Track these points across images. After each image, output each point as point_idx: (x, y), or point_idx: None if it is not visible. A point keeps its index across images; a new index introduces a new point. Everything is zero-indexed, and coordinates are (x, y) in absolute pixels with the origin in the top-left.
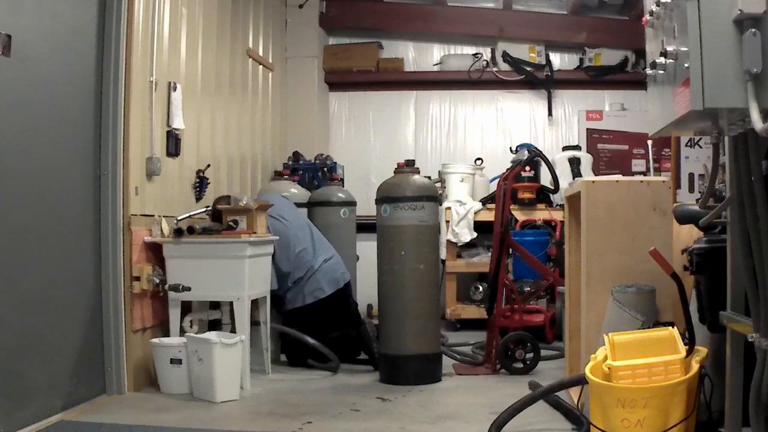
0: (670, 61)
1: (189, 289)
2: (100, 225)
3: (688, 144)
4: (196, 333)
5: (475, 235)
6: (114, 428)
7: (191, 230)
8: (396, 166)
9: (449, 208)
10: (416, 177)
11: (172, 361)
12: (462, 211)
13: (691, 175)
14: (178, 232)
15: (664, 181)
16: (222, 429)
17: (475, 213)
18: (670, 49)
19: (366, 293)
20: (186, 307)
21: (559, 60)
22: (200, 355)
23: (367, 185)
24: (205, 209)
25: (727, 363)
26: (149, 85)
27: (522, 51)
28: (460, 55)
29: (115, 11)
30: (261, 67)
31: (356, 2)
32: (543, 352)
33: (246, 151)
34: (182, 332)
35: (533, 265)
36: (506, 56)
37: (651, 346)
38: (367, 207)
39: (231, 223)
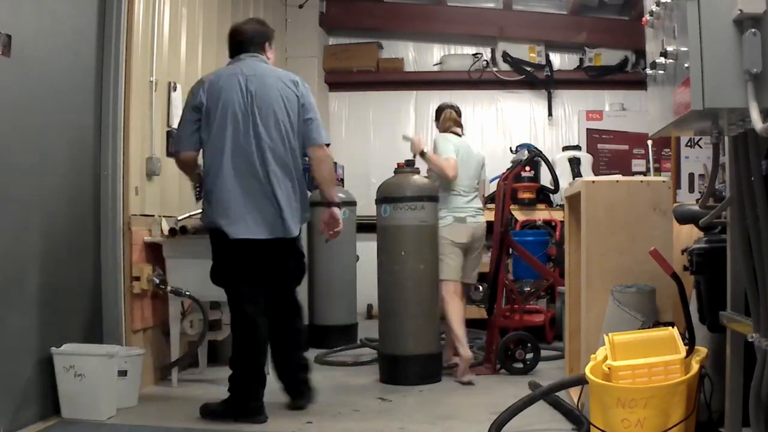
0: (670, 61)
1: (190, 295)
2: (100, 225)
3: (688, 144)
4: (194, 333)
5: None
6: (114, 428)
7: (183, 230)
8: (396, 166)
9: None
10: (416, 177)
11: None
12: None
13: (691, 175)
14: (171, 232)
15: (664, 181)
16: (222, 429)
17: None
18: (670, 49)
19: (366, 293)
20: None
21: (559, 60)
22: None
23: (367, 185)
24: None
25: (727, 363)
26: (149, 85)
27: (522, 51)
28: (460, 55)
29: (115, 11)
30: None
31: (356, 2)
32: (543, 352)
33: None
34: (182, 332)
35: (533, 265)
36: (506, 56)
37: (651, 346)
38: (367, 207)
39: None
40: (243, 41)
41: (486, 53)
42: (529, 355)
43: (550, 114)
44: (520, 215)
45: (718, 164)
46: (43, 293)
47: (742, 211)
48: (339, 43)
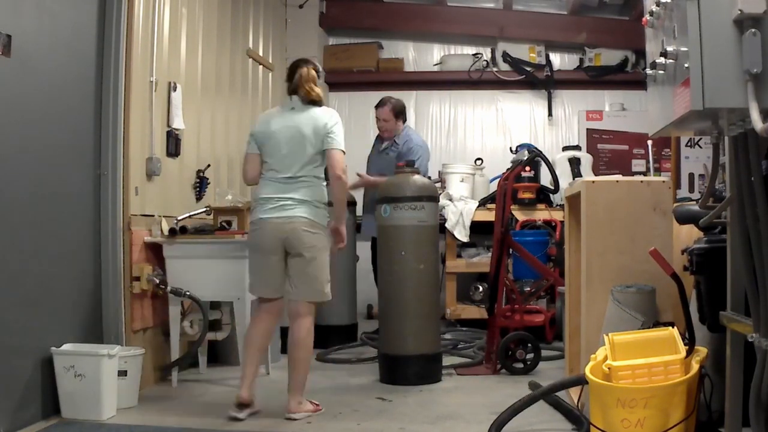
0: (670, 61)
1: (191, 295)
2: (100, 225)
3: (688, 144)
4: (194, 333)
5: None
6: (114, 428)
7: (183, 230)
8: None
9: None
10: (416, 177)
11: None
12: (456, 210)
13: (691, 175)
14: (171, 232)
15: (664, 181)
16: (222, 429)
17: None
18: (670, 49)
19: (366, 293)
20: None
21: (559, 60)
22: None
23: None
24: (204, 209)
25: (727, 363)
26: (149, 85)
27: (522, 51)
28: (460, 55)
29: (115, 11)
30: (261, 67)
31: (356, 2)
32: (543, 352)
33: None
34: (182, 332)
35: (533, 265)
36: (506, 56)
37: (651, 346)
38: None
39: (224, 224)
40: None
41: (486, 53)
42: (530, 355)
43: (550, 114)
44: (520, 215)
45: (718, 164)
46: (43, 293)
47: (742, 211)
48: (339, 43)
